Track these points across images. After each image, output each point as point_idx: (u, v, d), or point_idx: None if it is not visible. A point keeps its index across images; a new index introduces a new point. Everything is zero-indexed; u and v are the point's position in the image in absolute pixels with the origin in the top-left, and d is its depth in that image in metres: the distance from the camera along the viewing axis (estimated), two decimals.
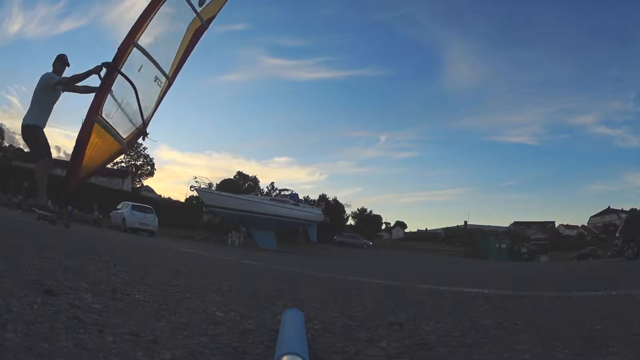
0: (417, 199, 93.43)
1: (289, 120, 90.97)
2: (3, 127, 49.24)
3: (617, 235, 14.04)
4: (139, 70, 5.05)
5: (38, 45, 70.75)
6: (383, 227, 72.48)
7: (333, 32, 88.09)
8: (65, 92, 5.58)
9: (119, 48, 4.73)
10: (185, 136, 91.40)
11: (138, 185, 55.21)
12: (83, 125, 4.71)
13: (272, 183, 52.11)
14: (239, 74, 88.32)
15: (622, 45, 79.20)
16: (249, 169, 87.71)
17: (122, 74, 4.76)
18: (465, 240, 47.83)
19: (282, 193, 28.46)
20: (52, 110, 5.57)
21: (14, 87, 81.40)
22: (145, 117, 5.28)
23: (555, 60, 79.91)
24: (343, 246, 38.07)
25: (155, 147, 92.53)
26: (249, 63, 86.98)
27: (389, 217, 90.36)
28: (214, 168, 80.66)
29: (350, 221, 58.79)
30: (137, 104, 5.04)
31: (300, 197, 29.93)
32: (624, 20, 75.66)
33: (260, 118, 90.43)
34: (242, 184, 50.29)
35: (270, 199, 25.61)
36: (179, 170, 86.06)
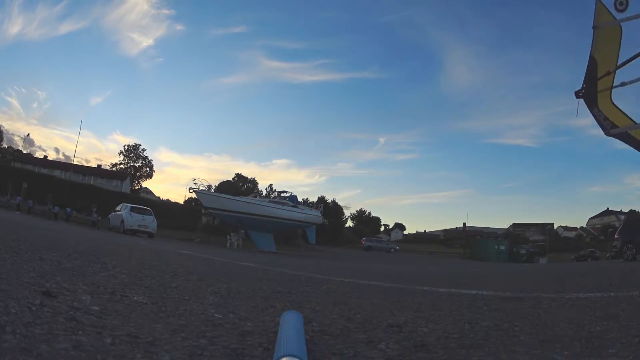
0: (416, 200, 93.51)
1: (288, 123, 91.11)
2: (2, 128, 49.22)
3: (615, 236, 14.03)
4: None
5: (38, 47, 70.80)
6: (382, 228, 72.44)
7: (333, 35, 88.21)
8: None
9: None
10: (184, 138, 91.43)
11: (137, 187, 55.15)
12: None
13: (271, 185, 52.09)
14: (238, 76, 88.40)
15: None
16: (248, 171, 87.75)
17: None
18: (464, 242, 47.78)
19: (281, 195, 28.43)
20: None
21: (13, 88, 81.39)
22: None
23: (554, 62, 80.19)
24: (370, 250, 37.68)
25: (155, 149, 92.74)
26: (248, 65, 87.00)
27: (388, 219, 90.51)
28: (213, 170, 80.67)
29: (349, 223, 58.75)
30: None
31: (299, 199, 29.92)
32: None
33: (259, 120, 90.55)
34: (241, 185, 50.26)
35: (269, 201, 25.58)
36: (178, 172, 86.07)
